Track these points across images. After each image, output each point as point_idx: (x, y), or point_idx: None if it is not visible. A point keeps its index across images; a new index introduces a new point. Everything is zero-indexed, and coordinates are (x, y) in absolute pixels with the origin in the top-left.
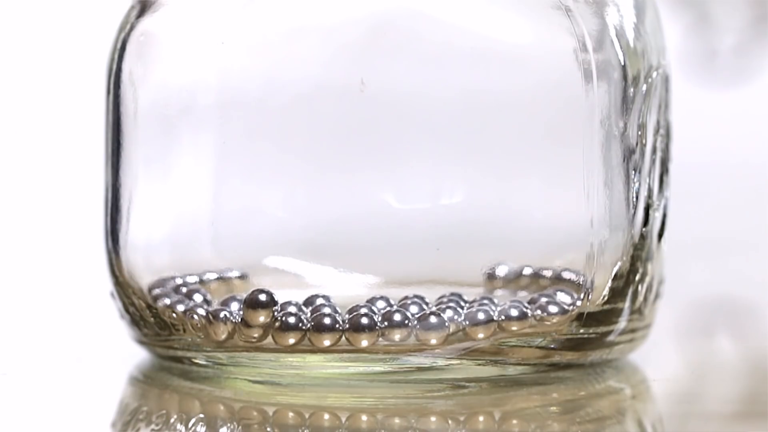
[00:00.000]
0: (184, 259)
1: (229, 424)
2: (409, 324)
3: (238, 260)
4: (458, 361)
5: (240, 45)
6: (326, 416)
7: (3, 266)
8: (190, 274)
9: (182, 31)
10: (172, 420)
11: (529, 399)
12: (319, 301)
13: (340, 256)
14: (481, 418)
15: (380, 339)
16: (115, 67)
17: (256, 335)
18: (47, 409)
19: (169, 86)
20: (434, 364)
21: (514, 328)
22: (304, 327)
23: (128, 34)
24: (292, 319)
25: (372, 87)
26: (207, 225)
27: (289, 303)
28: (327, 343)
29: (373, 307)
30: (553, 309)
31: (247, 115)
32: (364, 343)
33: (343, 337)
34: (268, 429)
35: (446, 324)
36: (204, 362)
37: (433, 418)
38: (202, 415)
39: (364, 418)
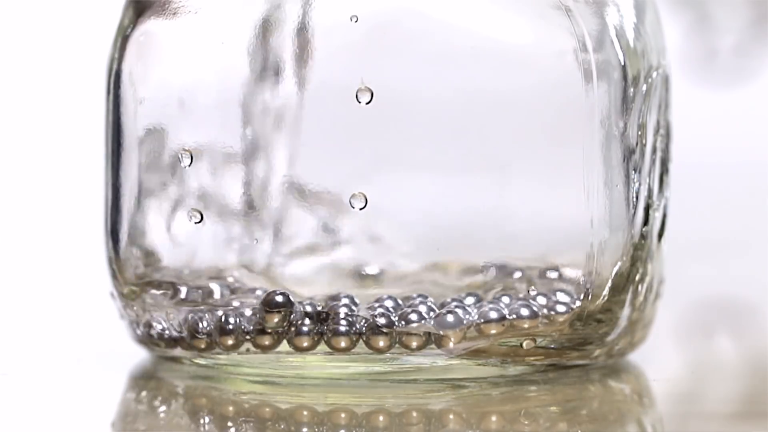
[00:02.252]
0: (184, 259)
1: (228, 424)
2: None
3: (237, 260)
4: (458, 361)
5: (240, 45)
6: (326, 416)
7: (3, 266)
8: (189, 275)
9: (182, 31)
10: (172, 420)
11: (530, 399)
12: (341, 302)
13: (339, 255)
14: (481, 418)
15: (397, 344)
16: (115, 67)
17: (268, 342)
18: (47, 409)
19: (169, 86)
20: (434, 364)
21: (525, 326)
22: (320, 331)
23: (128, 34)
24: (306, 324)
25: (372, 87)
26: (207, 225)
27: (302, 303)
28: (343, 345)
29: (390, 309)
30: (560, 308)
31: (247, 115)
32: (381, 344)
33: (360, 340)
34: (268, 429)
35: (463, 322)
36: (204, 362)
37: (433, 419)
38: (201, 415)
39: (364, 418)
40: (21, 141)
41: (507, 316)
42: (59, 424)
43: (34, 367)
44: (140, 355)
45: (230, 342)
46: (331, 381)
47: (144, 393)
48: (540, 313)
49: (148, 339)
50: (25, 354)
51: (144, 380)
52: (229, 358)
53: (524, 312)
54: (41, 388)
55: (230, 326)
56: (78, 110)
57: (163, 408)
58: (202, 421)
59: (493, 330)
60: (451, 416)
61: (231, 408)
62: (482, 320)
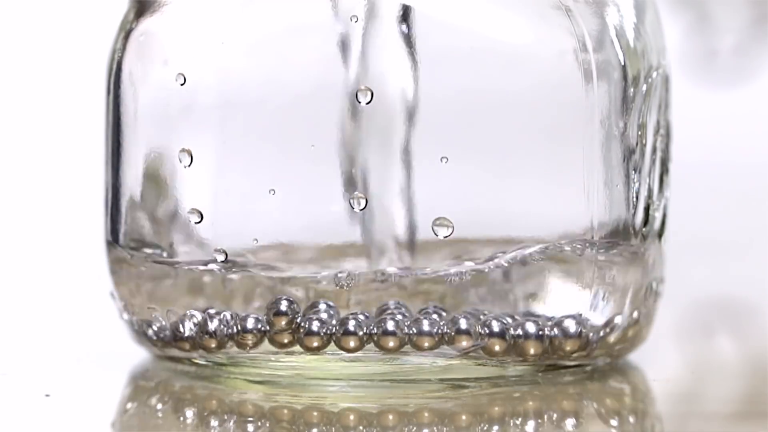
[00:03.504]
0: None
1: (228, 425)
2: (438, 330)
3: (237, 261)
4: (458, 361)
5: (240, 45)
6: (325, 416)
7: (3, 266)
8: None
9: (182, 31)
10: (171, 420)
11: (530, 399)
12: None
13: (340, 255)
14: (481, 418)
15: (407, 344)
16: (115, 67)
17: (286, 340)
18: (47, 409)
19: (169, 86)
20: (434, 364)
21: (531, 351)
22: (329, 331)
23: (128, 34)
24: (315, 325)
25: (372, 87)
26: (207, 225)
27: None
28: (352, 345)
29: (395, 311)
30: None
31: (247, 115)
32: (391, 345)
33: (371, 341)
34: (268, 429)
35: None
36: (204, 362)
37: (433, 418)
38: (201, 416)
39: (363, 418)
40: (21, 141)
41: (512, 333)
42: (59, 424)
43: (34, 367)
44: (140, 355)
45: (250, 341)
46: (331, 381)
47: (144, 393)
48: (547, 336)
49: (147, 338)
50: (25, 354)
51: (144, 380)
52: (229, 359)
53: (530, 329)
54: (41, 388)
55: (249, 326)
56: (78, 110)
57: (162, 408)
58: (201, 421)
59: (496, 346)
60: (451, 416)
61: (231, 408)
62: (487, 331)
